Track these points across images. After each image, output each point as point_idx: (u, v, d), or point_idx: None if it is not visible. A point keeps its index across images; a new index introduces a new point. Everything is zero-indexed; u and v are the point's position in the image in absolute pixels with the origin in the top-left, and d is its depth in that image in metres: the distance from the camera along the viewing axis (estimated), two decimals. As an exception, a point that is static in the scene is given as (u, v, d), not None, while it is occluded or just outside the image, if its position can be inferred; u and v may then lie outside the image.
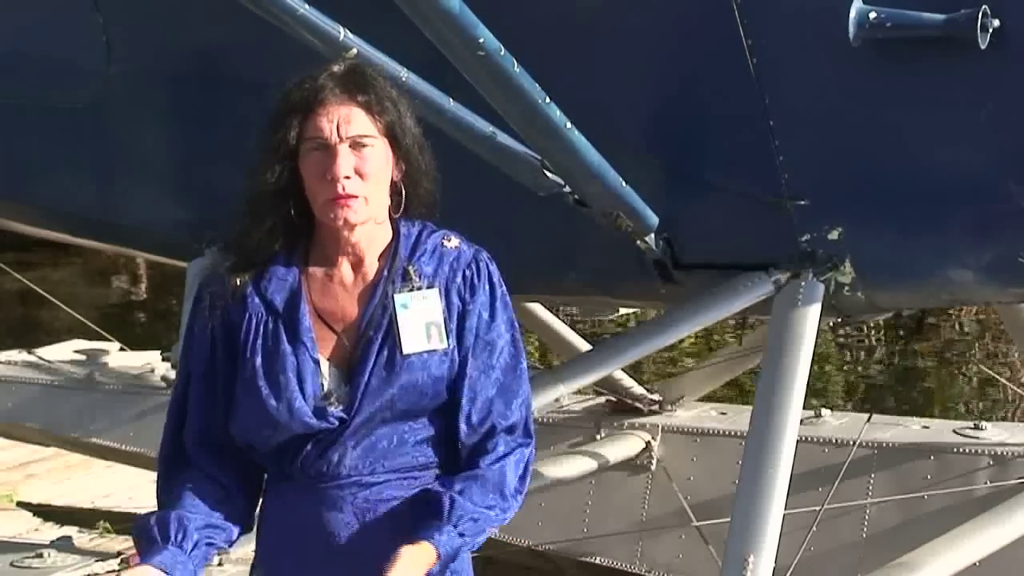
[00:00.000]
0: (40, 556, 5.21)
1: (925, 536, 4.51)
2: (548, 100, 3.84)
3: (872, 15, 4.02)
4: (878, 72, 4.11)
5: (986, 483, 5.38)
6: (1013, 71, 3.99)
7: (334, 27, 3.69)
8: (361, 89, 2.76)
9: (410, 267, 2.80)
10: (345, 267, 2.80)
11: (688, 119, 4.42)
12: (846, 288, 4.32)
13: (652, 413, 6.11)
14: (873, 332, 12.16)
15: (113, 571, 5.17)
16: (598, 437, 6.01)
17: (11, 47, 5.65)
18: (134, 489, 7.60)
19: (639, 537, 5.83)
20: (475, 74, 3.75)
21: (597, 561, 5.94)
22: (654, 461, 5.94)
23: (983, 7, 3.91)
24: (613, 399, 6.17)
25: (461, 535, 2.73)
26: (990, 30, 3.92)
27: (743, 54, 4.16)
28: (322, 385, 2.75)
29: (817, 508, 4.90)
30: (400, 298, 2.77)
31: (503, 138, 4.04)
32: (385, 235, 2.83)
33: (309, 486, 2.77)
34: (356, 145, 2.72)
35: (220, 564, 4.36)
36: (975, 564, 4.46)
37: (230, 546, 2.86)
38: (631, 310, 7.28)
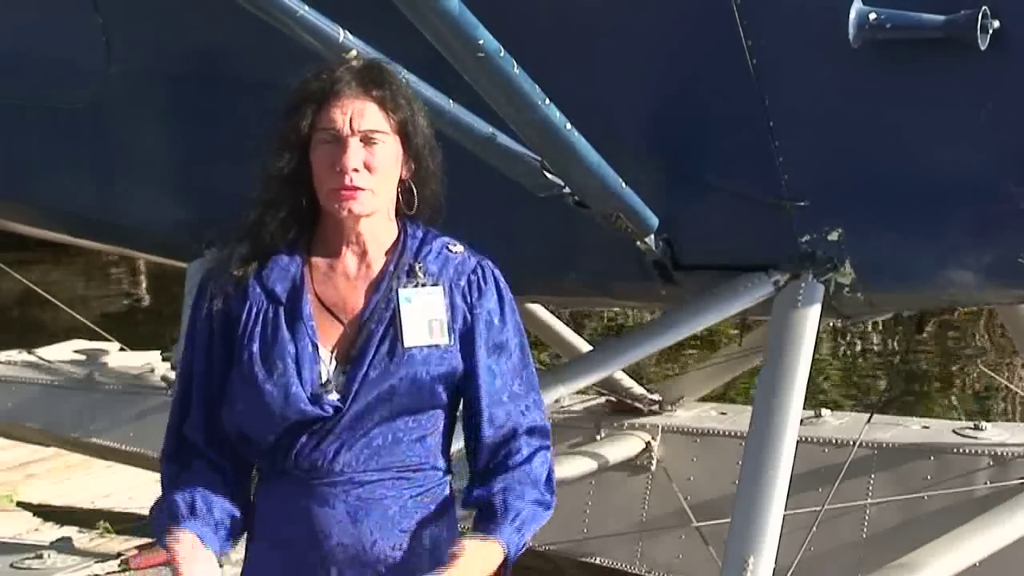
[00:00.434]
0: (40, 557, 5.21)
1: (925, 536, 4.51)
2: (548, 101, 3.84)
3: (872, 16, 4.02)
4: (878, 73, 4.11)
5: (986, 483, 5.38)
6: (1013, 72, 3.98)
7: (334, 28, 3.69)
8: (377, 85, 2.78)
9: (416, 264, 2.81)
10: (349, 258, 2.82)
11: (688, 120, 4.42)
12: (846, 289, 4.32)
13: (652, 413, 6.11)
14: (874, 334, 12.15)
15: (113, 572, 5.17)
16: (598, 437, 6.02)
17: (11, 47, 5.65)
18: (134, 489, 7.60)
19: (639, 537, 5.83)
20: (475, 75, 3.75)
21: (597, 561, 5.94)
22: (654, 461, 5.94)
23: (983, 8, 3.91)
24: (613, 399, 6.17)
25: (519, 531, 2.75)
26: (990, 31, 3.92)
27: (743, 55, 4.16)
28: (320, 373, 2.76)
29: (817, 508, 4.89)
30: (404, 292, 2.78)
31: (503, 139, 4.04)
32: (390, 232, 2.84)
33: (302, 482, 2.77)
34: (367, 139, 2.74)
35: (220, 565, 4.35)
36: (975, 564, 4.46)
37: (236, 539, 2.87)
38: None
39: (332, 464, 2.75)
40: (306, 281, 2.80)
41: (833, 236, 4.27)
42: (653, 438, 5.98)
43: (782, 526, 3.98)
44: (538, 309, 6.10)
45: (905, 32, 4.01)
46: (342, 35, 3.69)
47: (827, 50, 4.13)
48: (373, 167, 2.74)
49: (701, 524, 5.52)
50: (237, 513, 2.82)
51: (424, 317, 2.77)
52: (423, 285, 2.79)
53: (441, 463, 2.84)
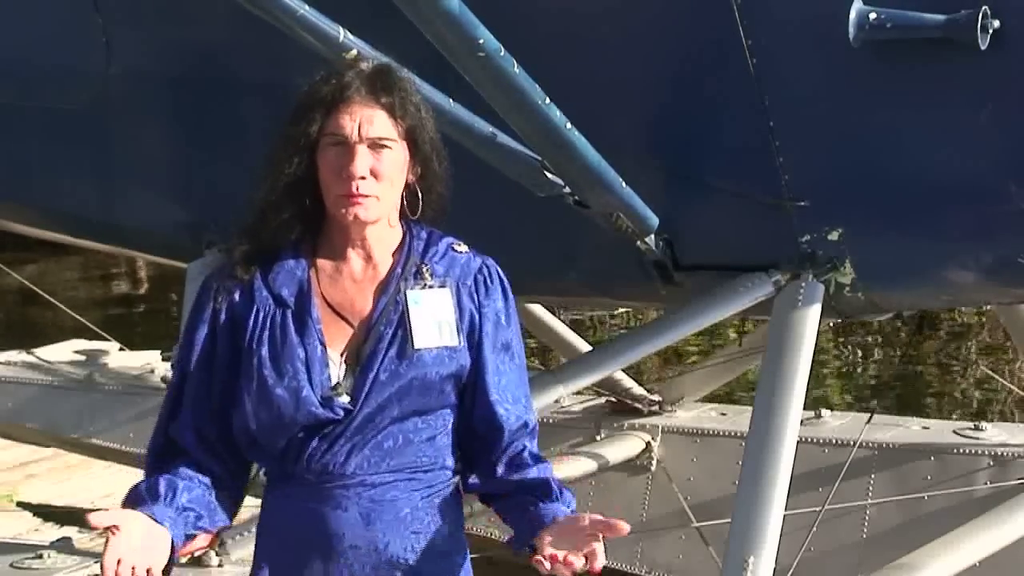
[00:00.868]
0: (40, 557, 5.20)
1: (925, 537, 4.51)
2: (548, 101, 3.84)
3: (872, 16, 4.02)
4: (878, 73, 4.11)
5: (986, 484, 5.37)
6: (1013, 72, 3.98)
7: (334, 28, 3.69)
8: (386, 91, 2.78)
9: (423, 266, 2.82)
10: (355, 261, 2.82)
11: (688, 119, 4.42)
12: (846, 289, 4.32)
13: (652, 414, 6.10)
14: (871, 336, 12.15)
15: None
16: (598, 438, 6.01)
17: (11, 48, 5.65)
18: (134, 490, 7.58)
19: (639, 538, 5.82)
20: (475, 75, 3.75)
21: (597, 561, 5.93)
22: (654, 462, 5.93)
23: (983, 8, 3.90)
24: (613, 399, 6.17)
25: (569, 507, 2.80)
26: (990, 31, 3.92)
27: (743, 54, 4.16)
28: (330, 376, 2.76)
29: (817, 509, 4.89)
30: (412, 294, 2.79)
31: (503, 139, 4.04)
32: (395, 234, 2.85)
33: (313, 486, 2.77)
34: (375, 146, 2.75)
35: (220, 565, 4.36)
36: (975, 565, 4.46)
37: (220, 532, 2.86)
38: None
39: (344, 467, 2.76)
40: (313, 284, 2.80)
41: (833, 236, 4.27)
42: (653, 438, 5.97)
43: (782, 526, 3.98)
44: (538, 309, 6.10)
45: (905, 32, 4.01)
46: (342, 35, 3.69)
47: (827, 50, 4.13)
48: (380, 174, 2.74)
49: (701, 524, 5.52)
50: (216, 507, 2.81)
51: (433, 318, 2.79)
52: (430, 286, 2.80)
53: (450, 462, 2.85)
